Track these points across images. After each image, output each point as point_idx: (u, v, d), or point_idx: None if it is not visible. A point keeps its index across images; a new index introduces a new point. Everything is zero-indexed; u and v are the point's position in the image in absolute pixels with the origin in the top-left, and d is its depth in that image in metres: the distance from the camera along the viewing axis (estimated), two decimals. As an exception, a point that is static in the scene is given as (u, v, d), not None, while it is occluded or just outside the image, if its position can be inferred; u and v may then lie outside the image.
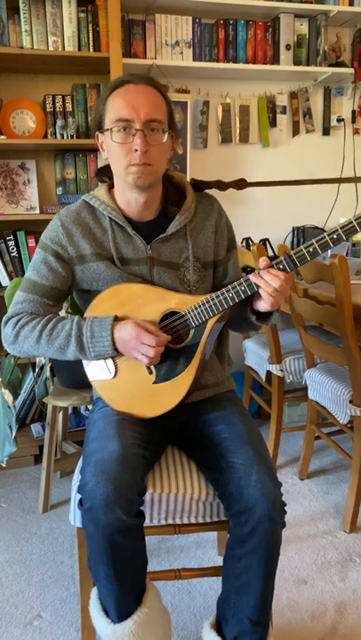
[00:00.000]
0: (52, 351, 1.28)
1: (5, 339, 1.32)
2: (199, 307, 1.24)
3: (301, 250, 1.16)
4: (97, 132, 1.30)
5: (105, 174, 1.39)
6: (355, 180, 2.93)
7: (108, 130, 1.23)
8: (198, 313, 1.25)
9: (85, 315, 1.33)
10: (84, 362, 1.36)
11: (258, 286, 1.19)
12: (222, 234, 1.39)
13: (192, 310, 1.25)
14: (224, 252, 1.40)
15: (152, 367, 1.28)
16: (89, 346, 1.25)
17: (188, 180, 1.41)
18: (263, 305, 1.23)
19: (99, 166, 1.44)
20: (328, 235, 1.14)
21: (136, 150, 1.20)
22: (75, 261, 1.32)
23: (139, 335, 1.20)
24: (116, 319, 1.26)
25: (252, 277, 1.19)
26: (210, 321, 1.25)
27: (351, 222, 1.12)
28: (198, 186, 1.41)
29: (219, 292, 1.22)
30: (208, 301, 1.23)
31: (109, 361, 1.31)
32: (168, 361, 1.27)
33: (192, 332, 1.27)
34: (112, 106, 1.23)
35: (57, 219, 1.33)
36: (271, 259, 1.19)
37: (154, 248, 1.32)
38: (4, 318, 1.33)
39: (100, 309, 1.30)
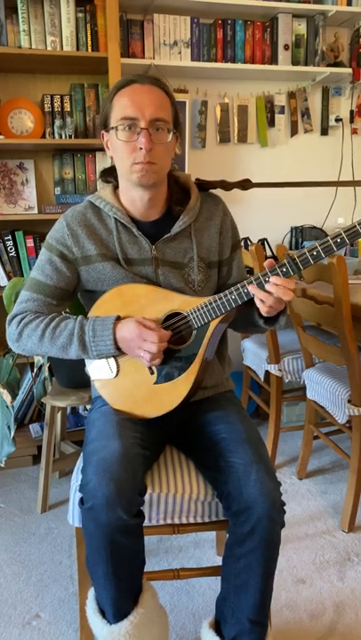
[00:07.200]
0: (54, 350, 1.29)
1: (10, 337, 1.33)
2: (202, 308, 1.24)
3: (305, 253, 1.14)
4: (102, 131, 1.30)
5: (109, 175, 1.39)
6: (354, 183, 2.94)
7: (113, 128, 1.24)
8: (201, 314, 1.24)
9: (89, 315, 1.33)
10: (87, 361, 1.36)
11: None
12: (227, 234, 1.39)
13: (195, 311, 1.25)
14: (228, 252, 1.40)
15: (154, 368, 1.28)
16: (91, 345, 1.25)
17: (193, 180, 1.41)
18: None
19: (97, 166, 1.44)
20: (332, 238, 1.12)
21: (141, 148, 1.20)
22: (80, 262, 1.32)
23: (141, 333, 1.20)
24: (119, 319, 1.26)
25: (249, 287, 1.18)
26: (212, 322, 1.24)
27: (355, 226, 1.09)
28: (203, 186, 1.41)
29: (222, 294, 1.22)
30: (211, 303, 1.23)
31: (111, 360, 1.31)
32: (170, 362, 1.27)
33: (194, 333, 1.27)
34: (118, 105, 1.23)
35: (62, 219, 1.33)
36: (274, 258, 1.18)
37: (159, 248, 1.32)
38: (9, 316, 1.34)
39: (104, 310, 1.31)
